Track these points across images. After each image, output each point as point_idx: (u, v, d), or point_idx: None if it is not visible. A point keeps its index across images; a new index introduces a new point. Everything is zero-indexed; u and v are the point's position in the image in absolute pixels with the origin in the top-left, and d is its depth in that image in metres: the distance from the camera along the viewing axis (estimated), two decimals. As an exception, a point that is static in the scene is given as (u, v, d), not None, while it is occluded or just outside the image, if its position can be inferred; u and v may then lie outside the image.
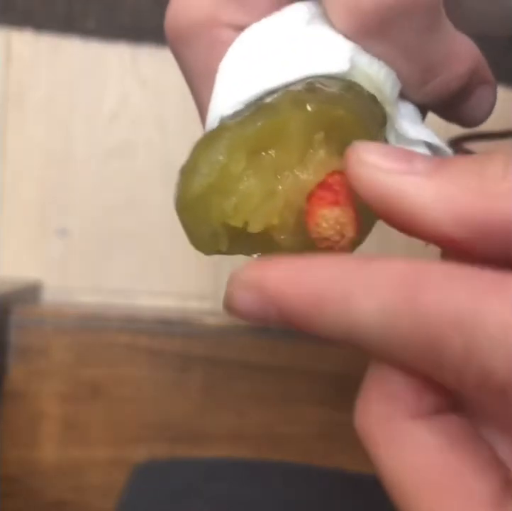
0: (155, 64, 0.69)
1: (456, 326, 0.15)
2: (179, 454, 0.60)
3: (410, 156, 0.17)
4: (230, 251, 0.22)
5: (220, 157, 0.20)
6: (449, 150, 0.22)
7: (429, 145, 0.21)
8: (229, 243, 0.21)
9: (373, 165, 0.17)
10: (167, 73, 0.69)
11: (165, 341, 0.60)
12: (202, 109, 0.22)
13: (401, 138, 0.21)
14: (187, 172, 0.21)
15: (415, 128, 0.21)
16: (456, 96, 0.22)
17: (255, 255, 0.22)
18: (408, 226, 0.17)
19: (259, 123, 0.19)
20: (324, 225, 0.19)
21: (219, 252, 0.22)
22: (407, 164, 0.17)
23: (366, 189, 0.17)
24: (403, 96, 0.21)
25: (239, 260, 0.71)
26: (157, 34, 0.68)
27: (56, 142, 0.68)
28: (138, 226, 0.69)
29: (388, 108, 0.20)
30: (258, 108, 0.20)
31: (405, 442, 0.16)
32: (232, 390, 0.60)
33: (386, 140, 0.21)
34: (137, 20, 0.68)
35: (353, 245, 0.19)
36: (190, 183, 0.20)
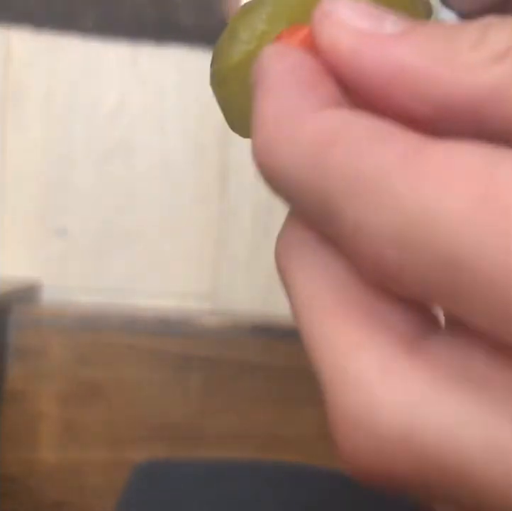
0: (155, 63, 0.69)
1: (352, 190, 0.13)
2: (179, 454, 0.60)
3: (382, 16, 0.15)
4: None
5: (262, 25, 0.19)
6: None
7: None
8: None
9: (337, 20, 0.15)
10: (166, 72, 0.69)
11: (165, 341, 0.60)
12: None
13: None
14: (225, 40, 0.19)
15: None
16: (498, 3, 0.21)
17: None
18: (363, 94, 0.15)
19: None
20: None
21: None
22: (376, 23, 0.15)
23: (328, 47, 0.15)
24: (445, 2, 0.21)
25: (239, 261, 0.71)
26: (157, 33, 0.68)
27: (55, 141, 0.68)
28: (138, 226, 0.69)
29: (433, 2, 0.20)
30: None
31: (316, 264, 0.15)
32: (231, 390, 0.60)
33: None
34: (137, 19, 0.68)
35: None
36: (228, 52, 0.19)
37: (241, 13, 0.19)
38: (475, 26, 0.14)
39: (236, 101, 0.19)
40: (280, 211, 0.75)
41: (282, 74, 0.16)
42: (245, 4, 0.19)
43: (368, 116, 0.14)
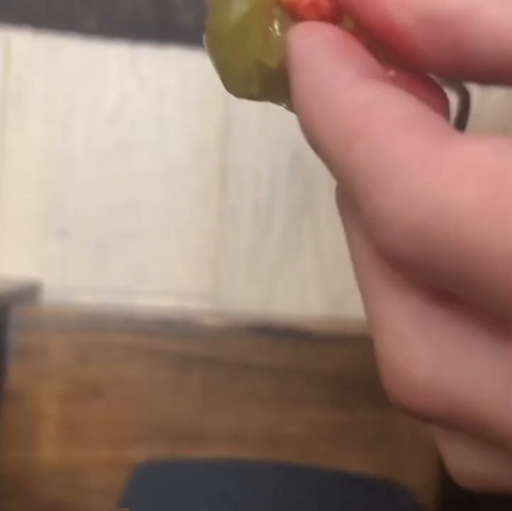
0: (155, 63, 0.69)
1: (372, 182, 0.14)
2: (179, 454, 0.60)
3: None
4: (260, 96, 0.20)
5: None
6: None
7: None
8: (261, 86, 0.19)
9: None
10: (166, 73, 0.69)
11: (165, 341, 0.60)
12: None
13: None
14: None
15: None
16: None
17: (284, 105, 0.20)
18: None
19: None
20: None
21: (251, 96, 0.20)
22: None
23: None
24: None
25: (239, 261, 0.71)
26: (157, 33, 0.68)
27: (55, 141, 0.68)
28: (138, 226, 0.69)
29: None
30: None
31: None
32: (231, 390, 0.60)
33: None
34: (137, 20, 0.68)
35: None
36: (227, 11, 0.18)
37: None
38: None
39: (232, 62, 0.19)
40: (280, 211, 0.75)
41: (315, 47, 0.16)
42: None
43: (396, 94, 0.15)
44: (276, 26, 0.18)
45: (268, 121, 0.68)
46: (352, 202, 0.16)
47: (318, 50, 0.16)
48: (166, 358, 0.60)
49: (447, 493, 0.60)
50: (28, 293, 0.66)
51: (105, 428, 0.60)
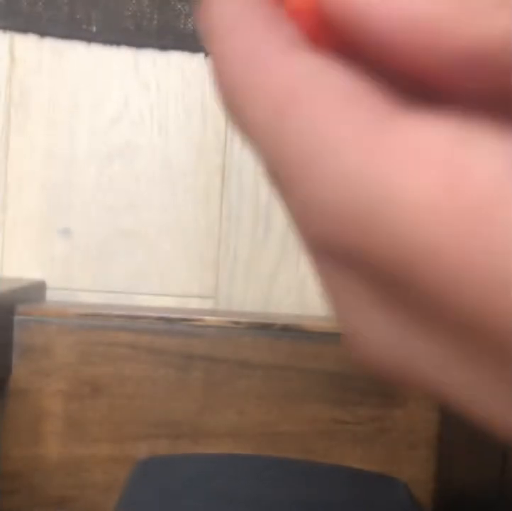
0: (157, 68, 0.69)
1: (304, 160, 0.12)
2: (180, 451, 0.61)
3: None
4: None
5: None
6: None
7: None
8: None
9: None
10: (168, 77, 0.69)
11: (166, 340, 0.61)
12: None
13: None
14: None
15: None
16: None
17: None
18: (360, 43, 0.13)
19: None
20: None
21: None
22: None
23: None
24: None
25: (239, 261, 0.72)
26: (159, 38, 0.69)
27: (59, 144, 0.69)
28: (140, 227, 0.69)
29: None
30: None
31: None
32: (232, 389, 0.61)
33: None
34: (139, 25, 0.69)
35: None
36: None
37: None
38: None
39: None
40: (280, 211, 0.76)
41: (242, 13, 0.14)
42: None
43: (335, 66, 0.13)
44: None
45: (268, 124, 0.69)
46: (280, 184, 0.14)
47: (246, 15, 0.14)
48: (167, 356, 0.61)
49: (443, 489, 0.60)
50: (31, 293, 0.66)
51: (107, 425, 0.61)
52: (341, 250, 0.13)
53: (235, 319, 0.62)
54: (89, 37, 0.68)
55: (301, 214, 0.13)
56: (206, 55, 0.68)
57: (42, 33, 0.68)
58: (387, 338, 0.14)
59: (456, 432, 0.58)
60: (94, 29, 0.68)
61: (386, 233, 0.11)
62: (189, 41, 0.69)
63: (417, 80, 0.13)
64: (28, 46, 0.68)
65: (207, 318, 0.62)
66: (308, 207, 0.12)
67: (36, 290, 0.67)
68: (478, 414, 0.13)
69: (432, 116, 0.12)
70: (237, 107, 0.14)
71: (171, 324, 0.61)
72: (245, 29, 0.14)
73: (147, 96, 0.69)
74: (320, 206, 0.12)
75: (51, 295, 0.68)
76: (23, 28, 0.68)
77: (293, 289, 0.70)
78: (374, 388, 0.59)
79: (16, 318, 0.60)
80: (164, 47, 0.69)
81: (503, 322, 0.11)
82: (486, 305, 0.11)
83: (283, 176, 0.13)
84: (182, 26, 0.69)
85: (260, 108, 0.13)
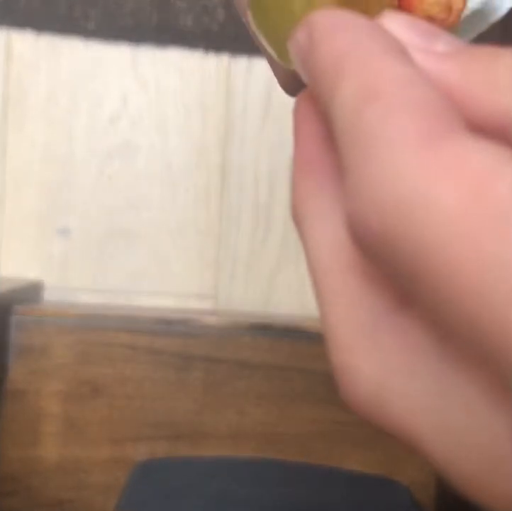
0: (155, 65, 0.69)
1: (364, 149, 0.14)
2: (180, 453, 0.60)
3: (435, 34, 0.16)
4: None
5: None
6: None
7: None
8: None
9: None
10: (167, 74, 0.69)
11: (165, 341, 0.61)
12: None
13: None
14: None
15: None
16: None
17: None
18: None
19: None
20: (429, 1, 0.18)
21: None
22: (429, 41, 0.16)
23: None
24: None
25: (239, 261, 0.71)
26: (157, 35, 0.68)
27: (57, 142, 0.69)
28: (138, 226, 0.69)
29: None
30: None
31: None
32: (232, 389, 0.61)
33: None
34: (138, 22, 0.68)
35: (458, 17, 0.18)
36: None
37: None
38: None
39: (280, 27, 0.19)
40: (280, 211, 0.75)
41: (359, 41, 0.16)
42: None
43: (422, 76, 0.15)
44: None
45: (268, 121, 0.68)
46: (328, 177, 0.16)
47: (350, 27, 0.16)
48: (166, 357, 0.61)
49: (444, 491, 0.60)
50: (29, 293, 0.66)
51: (106, 426, 0.60)
52: (373, 239, 0.14)
53: (235, 319, 0.62)
54: (87, 35, 0.68)
55: (350, 201, 0.14)
56: (205, 51, 0.68)
57: (39, 30, 0.68)
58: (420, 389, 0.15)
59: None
60: (92, 26, 0.68)
61: (411, 228, 0.13)
62: (188, 38, 0.68)
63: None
64: (25, 43, 0.68)
65: (207, 318, 0.62)
66: (360, 188, 0.14)
67: (34, 290, 0.67)
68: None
69: (480, 139, 0.13)
70: (329, 88, 0.16)
71: (170, 325, 0.61)
72: (352, 31, 0.16)
73: (145, 93, 0.69)
74: (364, 194, 0.14)
75: (49, 295, 0.68)
76: (20, 24, 0.67)
77: (293, 289, 0.69)
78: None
79: (13, 318, 0.60)
80: (162, 44, 0.69)
81: None
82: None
83: (350, 151, 0.14)
84: (181, 23, 0.68)
85: (348, 95, 0.15)
